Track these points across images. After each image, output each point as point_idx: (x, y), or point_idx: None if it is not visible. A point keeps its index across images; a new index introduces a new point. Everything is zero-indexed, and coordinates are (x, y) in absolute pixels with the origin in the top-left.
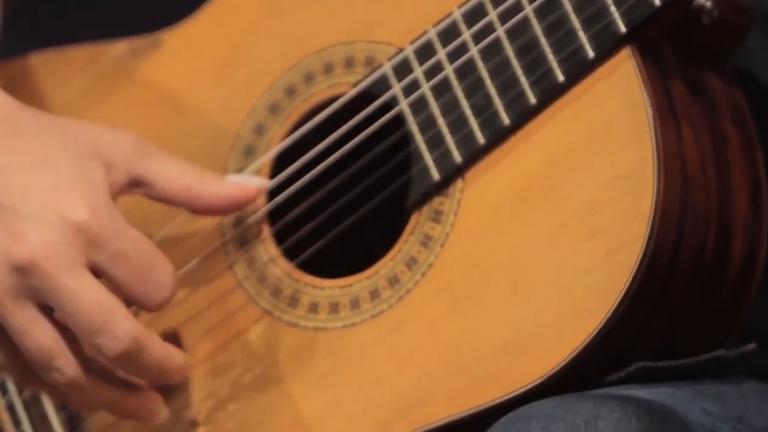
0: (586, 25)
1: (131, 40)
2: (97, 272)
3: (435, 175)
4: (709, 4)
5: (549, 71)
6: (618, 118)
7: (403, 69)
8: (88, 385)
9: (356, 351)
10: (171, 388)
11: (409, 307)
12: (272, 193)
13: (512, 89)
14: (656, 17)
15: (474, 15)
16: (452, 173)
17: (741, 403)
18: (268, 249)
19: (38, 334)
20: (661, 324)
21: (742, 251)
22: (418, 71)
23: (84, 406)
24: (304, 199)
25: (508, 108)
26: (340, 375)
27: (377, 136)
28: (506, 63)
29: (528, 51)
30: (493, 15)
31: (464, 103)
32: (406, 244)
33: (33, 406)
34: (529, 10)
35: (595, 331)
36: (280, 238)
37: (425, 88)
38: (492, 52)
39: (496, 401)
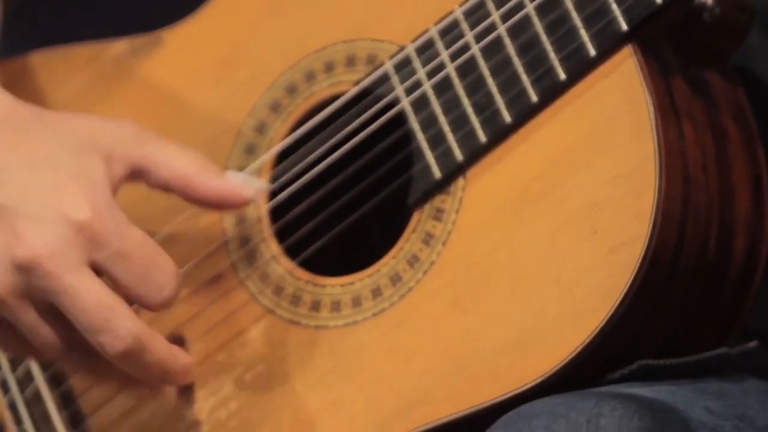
0: (588, 23)
1: (131, 39)
2: (98, 271)
3: (436, 173)
4: (710, 2)
5: (550, 69)
6: (619, 116)
7: (404, 67)
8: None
9: (358, 349)
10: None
11: (411, 305)
12: (274, 192)
13: (513, 87)
14: (657, 15)
15: (475, 13)
16: (454, 171)
17: (743, 401)
18: (270, 247)
19: (46, 332)
20: (662, 323)
21: (743, 250)
22: (420, 69)
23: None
24: (305, 197)
25: (509, 106)
26: (342, 373)
27: (379, 135)
28: (507, 61)
29: (529, 49)
30: (494, 13)
31: (465, 102)
32: (408, 242)
33: (35, 405)
34: (530, 8)
35: (597, 330)
36: (281, 236)
37: (427, 86)
38: (493, 50)
39: (498, 400)
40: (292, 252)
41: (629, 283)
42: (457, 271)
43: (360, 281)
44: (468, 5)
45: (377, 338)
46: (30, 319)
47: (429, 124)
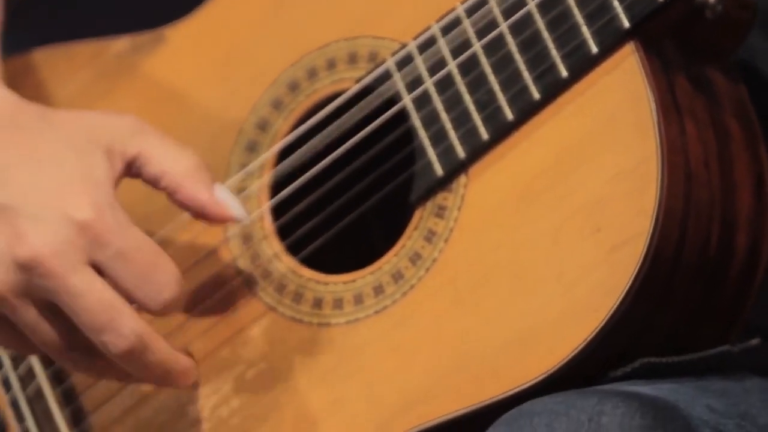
0: (590, 20)
1: (133, 37)
2: (98, 271)
3: (438, 170)
4: None
5: (552, 66)
6: (621, 113)
7: (406, 64)
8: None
9: (360, 347)
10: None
11: (413, 302)
12: (276, 189)
13: (515, 84)
14: (659, 13)
15: (477, 10)
16: (456, 169)
17: (745, 400)
18: (271, 244)
19: (48, 331)
20: (664, 320)
21: (745, 247)
22: (422, 67)
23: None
24: (307, 194)
25: (511, 103)
26: (344, 371)
27: (381, 132)
28: (509, 58)
29: (531, 46)
30: (496, 10)
31: (467, 99)
32: (410, 239)
33: (37, 402)
34: (532, 5)
35: (599, 328)
36: (283, 233)
37: (428, 83)
38: (495, 47)
39: (499, 397)
40: (293, 249)
41: (631, 281)
42: (459, 268)
43: (362, 279)
44: (470, 2)
45: (379, 336)
46: (30, 317)
47: (431, 121)
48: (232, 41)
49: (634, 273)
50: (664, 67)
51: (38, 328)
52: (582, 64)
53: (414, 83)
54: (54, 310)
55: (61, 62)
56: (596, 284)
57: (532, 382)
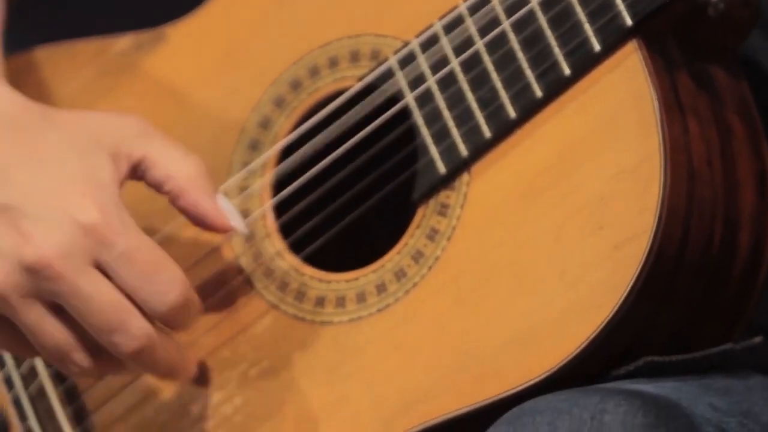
0: (592, 18)
1: (136, 34)
2: (103, 272)
3: (441, 168)
4: None
5: (555, 64)
6: (624, 111)
7: (408, 62)
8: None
9: (363, 345)
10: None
11: (416, 300)
12: (278, 187)
13: (518, 82)
14: (662, 10)
15: (480, 8)
16: (458, 166)
17: (748, 398)
18: (274, 243)
19: (51, 332)
20: (667, 318)
21: (748, 245)
22: (424, 65)
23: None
24: (310, 192)
25: (513, 101)
26: (347, 370)
27: (383, 130)
28: (512, 56)
29: (534, 44)
30: (498, 8)
31: (470, 97)
32: (413, 237)
33: (39, 401)
34: (534, 3)
35: (601, 326)
36: (286, 231)
37: (431, 81)
38: (497, 45)
39: (502, 395)
40: (296, 247)
41: (634, 279)
42: (461, 266)
43: (365, 277)
44: (472, 0)
45: (382, 334)
46: (33, 318)
47: (433, 119)
48: (234, 39)
49: (638, 271)
50: (666, 65)
51: (40, 330)
52: (584, 62)
53: (416, 81)
54: (57, 310)
55: (63, 60)
56: (599, 282)
57: (534, 381)
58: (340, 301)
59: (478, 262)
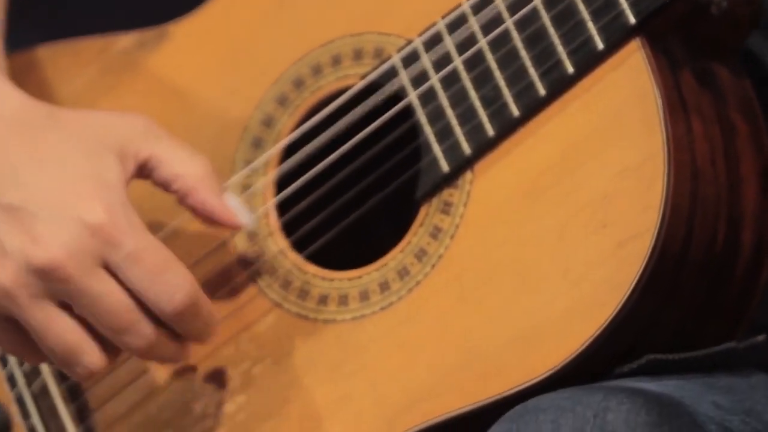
0: (596, 16)
1: (139, 33)
2: (111, 273)
3: (444, 166)
4: None
5: (558, 62)
6: (627, 109)
7: (411, 61)
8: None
9: (366, 343)
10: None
11: (419, 299)
12: (281, 185)
13: (521, 81)
14: (665, 9)
15: (483, 6)
16: (461, 165)
17: (751, 396)
18: (277, 241)
19: (58, 332)
20: (670, 317)
21: (751, 243)
22: (427, 63)
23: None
24: (313, 191)
25: (517, 99)
26: (350, 368)
27: (386, 128)
28: (515, 54)
29: (537, 42)
30: (502, 6)
31: (473, 95)
32: (416, 236)
33: (42, 399)
34: (537, 1)
35: (605, 324)
36: (289, 230)
37: (434, 79)
38: (500, 43)
39: (505, 393)
40: (299, 246)
41: (638, 277)
42: (465, 264)
43: (368, 275)
44: None
45: (385, 332)
46: (40, 318)
47: (436, 117)
48: (237, 37)
49: (641, 269)
50: (670, 64)
51: (48, 330)
52: (588, 61)
53: (419, 79)
54: (64, 308)
55: (65, 58)
56: (602, 280)
57: (538, 380)
58: (343, 300)
59: (482, 260)
